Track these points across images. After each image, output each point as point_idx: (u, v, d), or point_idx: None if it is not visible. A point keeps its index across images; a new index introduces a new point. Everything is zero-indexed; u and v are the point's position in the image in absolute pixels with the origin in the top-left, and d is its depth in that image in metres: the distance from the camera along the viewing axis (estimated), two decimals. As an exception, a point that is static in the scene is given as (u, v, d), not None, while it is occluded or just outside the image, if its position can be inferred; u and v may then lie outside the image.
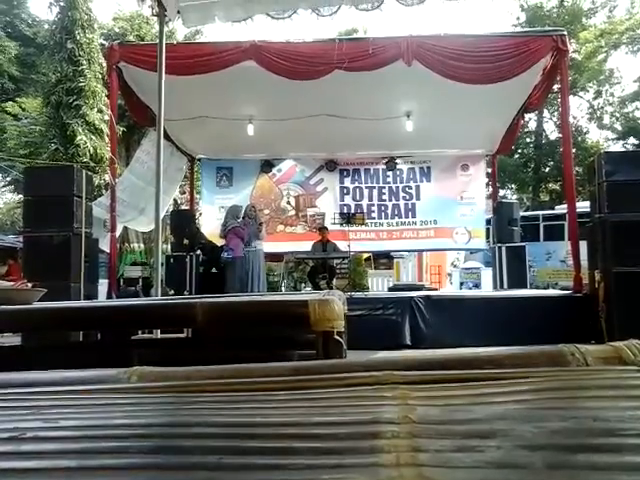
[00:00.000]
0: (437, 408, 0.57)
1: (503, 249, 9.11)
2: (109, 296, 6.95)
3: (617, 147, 23.47)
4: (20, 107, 19.98)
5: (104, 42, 15.73)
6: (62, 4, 16.62)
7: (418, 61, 6.89)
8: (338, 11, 5.86)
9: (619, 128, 23.89)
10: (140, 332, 4.81)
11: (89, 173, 7.02)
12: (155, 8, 5.53)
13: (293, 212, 11.16)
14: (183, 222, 9.82)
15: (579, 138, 22.75)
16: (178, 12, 5.61)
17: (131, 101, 8.11)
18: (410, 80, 7.40)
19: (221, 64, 7.02)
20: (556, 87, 8.31)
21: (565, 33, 7.23)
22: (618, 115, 23.94)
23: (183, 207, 15.03)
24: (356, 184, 11.08)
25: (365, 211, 10.61)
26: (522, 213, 13.03)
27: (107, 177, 9.38)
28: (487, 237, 11.22)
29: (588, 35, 22.09)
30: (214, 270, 8.97)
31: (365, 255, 12.94)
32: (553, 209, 16.59)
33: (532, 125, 24.82)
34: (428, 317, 6.76)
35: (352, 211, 10.28)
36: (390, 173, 10.98)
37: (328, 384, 0.67)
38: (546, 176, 24.79)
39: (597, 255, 6.11)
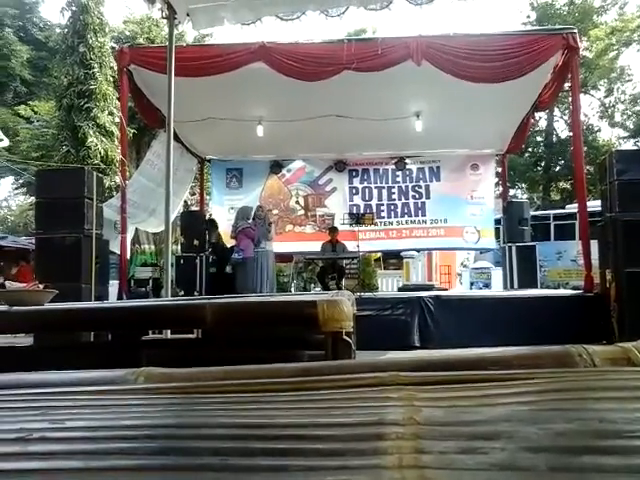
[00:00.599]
0: (442, 409, 0.57)
1: (513, 249, 9.06)
2: (119, 297, 6.99)
3: (629, 145, 23.25)
4: (32, 110, 20.17)
5: (115, 45, 15.83)
6: (74, 8, 16.75)
7: (427, 61, 6.87)
8: (346, 11, 5.86)
9: (631, 126, 23.67)
10: (150, 332, 4.84)
11: (100, 175, 7.06)
12: (165, 11, 5.56)
13: (302, 212, 11.16)
14: (193, 223, 9.86)
15: (590, 137, 22.56)
16: (187, 15, 5.64)
17: (141, 103, 8.16)
18: (419, 80, 7.38)
19: (230, 65, 7.04)
20: (567, 85, 8.26)
21: (575, 31, 7.18)
22: (630, 113, 23.72)
23: (193, 208, 15.11)
24: (365, 184, 11.06)
25: (374, 211, 10.58)
26: (532, 212, 12.94)
27: (118, 179, 9.44)
28: (497, 237, 11.16)
29: (599, 33, 21.89)
30: (225, 270, 9.00)
31: (375, 256, 12.92)
32: (564, 208, 16.47)
33: (542, 124, 24.66)
34: (438, 317, 6.74)
35: (361, 211, 10.26)
36: (399, 173, 10.95)
37: (333, 385, 0.67)
38: (557, 175, 24.61)
39: (608, 254, 6.07)
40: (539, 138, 25.23)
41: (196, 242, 9.52)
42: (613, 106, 23.89)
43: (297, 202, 11.18)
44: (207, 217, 9.73)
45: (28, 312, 2.54)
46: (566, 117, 23.48)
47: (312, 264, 10.62)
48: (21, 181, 22.55)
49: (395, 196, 10.95)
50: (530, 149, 24.63)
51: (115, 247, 7.59)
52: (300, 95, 7.71)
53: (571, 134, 15.21)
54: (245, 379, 0.70)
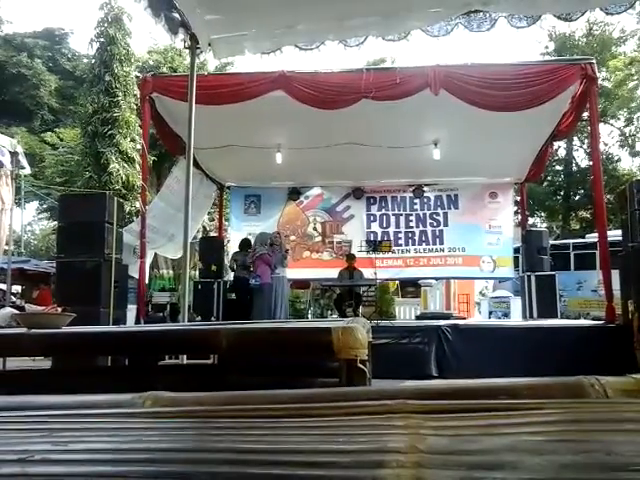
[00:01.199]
0: (447, 438, 0.56)
1: (532, 278, 8.94)
2: (137, 321, 7.02)
3: (650, 175, 22.97)
4: (58, 137, 20.70)
5: (139, 74, 16.25)
6: (102, 40, 17.28)
7: (445, 90, 6.91)
8: (365, 42, 5.94)
9: (652, 156, 23.44)
10: (167, 357, 4.85)
11: (120, 200, 7.18)
12: (187, 41, 5.69)
13: (319, 238, 11.17)
14: (212, 249, 9.93)
15: (610, 166, 22.37)
16: (209, 44, 5.76)
17: (163, 130, 8.31)
18: (437, 108, 7.42)
19: (251, 94, 7.15)
20: (585, 115, 8.24)
21: (594, 61, 7.19)
22: (650, 143, 23.52)
23: (212, 234, 15.24)
24: (383, 211, 11.05)
25: (392, 238, 10.54)
26: (552, 241, 12.81)
27: (138, 204, 9.57)
28: (516, 265, 11.03)
29: (618, 63, 21.89)
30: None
31: (393, 284, 12.85)
32: (584, 238, 16.27)
33: (562, 153, 24.53)
34: (455, 347, 6.64)
35: (379, 238, 10.23)
36: (417, 200, 10.93)
37: (340, 412, 0.66)
38: (576, 204, 24.38)
39: (630, 284, 5.95)
40: (558, 167, 25.08)
41: (214, 268, 9.58)
42: (633, 135, 23.72)
43: (314, 228, 11.20)
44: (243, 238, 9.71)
45: (46, 335, 2.56)
46: (585, 146, 23.35)
47: (329, 291, 10.60)
48: (45, 206, 23.02)
49: (413, 224, 10.92)
50: (549, 178, 24.48)
51: (134, 272, 7.66)
52: (319, 123, 7.79)
53: (591, 163, 15.12)
54: (251, 404, 0.70)
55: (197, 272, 11.08)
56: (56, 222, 10.70)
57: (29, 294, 15.80)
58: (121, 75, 17.02)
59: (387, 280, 11.48)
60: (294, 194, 11.12)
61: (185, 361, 4.45)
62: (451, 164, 9.43)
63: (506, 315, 13.06)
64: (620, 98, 21.97)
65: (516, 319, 10.97)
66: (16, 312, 3.63)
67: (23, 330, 2.57)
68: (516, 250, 10.96)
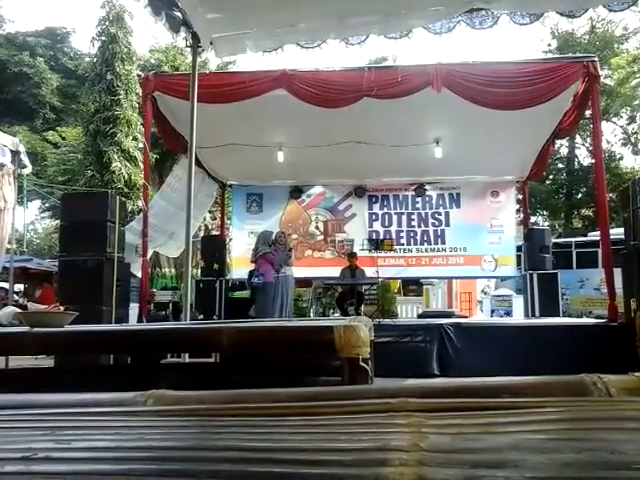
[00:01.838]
0: (449, 436, 0.56)
1: (535, 276, 8.94)
2: (139, 320, 7.03)
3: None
4: (60, 136, 20.73)
5: (140, 73, 16.26)
6: (104, 38, 17.29)
7: (447, 88, 6.90)
8: (367, 40, 5.93)
9: (655, 154, 23.38)
10: (169, 356, 4.86)
11: (123, 199, 7.19)
12: (189, 40, 5.69)
13: (321, 237, 11.18)
14: (213, 247, 9.95)
15: (612, 164, 22.31)
16: (211, 43, 5.76)
17: (164, 129, 8.31)
18: (439, 107, 7.41)
19: (252, 93, 7.15)
20: (588, 113, 8.22)
21: (596, 59, 7.17)
22: (653, 140, 23.46)
23: (214, 232, 15.25)
24: (385, 210, 11.05)
25: (394, 237, 10.55)
26: (554, 240, 12.79)
27: (140, 203, 9.58)
28: (518, 264, 11.02)
29: (620, 61, 21.82)
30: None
31: (394, 284, 12.85)
32: (586, 236, 16.24)
33: (564, 151, 24.49)
34: (458, 345, 6.64)
35: (381, 237, 10.23)
36: (419, 199, 10.93)
37: (342, 410, 0.66)
38: (579, 202, 24.33)
39: (633, 283, 5.95)
40: (561, 165, 25.04)
41: (216, 266, 9.60)
42: (636, 133, 23.66)
43: (317, 227, 11.21)
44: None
45: (48, 334, 2.57)
46: (588, 144, 23.31)
47: (331, 289, 10.60)
48: (47, 205, 23.05)
49: (415, 223, 10.92)
50: (551, 176, 24.42)
51: (136, 270, 7.67)
52: (320, 122, 7.78)
53: (593, 161, 15.09)
54: (253, 403, 0.70)
55: (199, 271, 11.09)
56: (58, 221, 10.72)
57: (32, 293, 15.83)
58: (123, 74, 17.03)
59: (389, 279, 11.48)
60: (296, 193, 11.12)
61: (187, 360, 4.45)
62: (453, 162, 9.43)
63: (508, 313, 13.06)
64: (623, 96, 21.91)
65: (518, 317, 10.97)
66: (19, 311, 3.64)
67: (26, 329, 2.58)
68: (518, 248, 10.95)
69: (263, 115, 7.75)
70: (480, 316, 13.73)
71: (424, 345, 6.71)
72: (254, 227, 10.61)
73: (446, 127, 8.43)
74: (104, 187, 14.80)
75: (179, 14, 5.23)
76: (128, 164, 16.70)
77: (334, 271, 9.79)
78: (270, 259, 8.07)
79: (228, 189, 11.50)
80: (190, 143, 5.72)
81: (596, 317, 9.66)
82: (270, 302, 7.91)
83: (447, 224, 10.79)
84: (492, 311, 13.85)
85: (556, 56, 18.73)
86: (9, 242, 7.91)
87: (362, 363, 2.02)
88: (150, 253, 8.81)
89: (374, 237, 10.21)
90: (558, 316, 8.55)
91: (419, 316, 10.27)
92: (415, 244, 10.84)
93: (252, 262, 8.46)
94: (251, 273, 8.38)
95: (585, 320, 9.31)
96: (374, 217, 11.07)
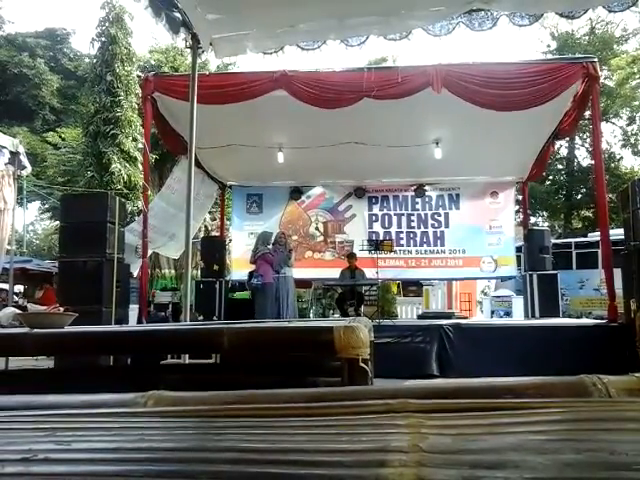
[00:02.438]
0: (449, 437, 0.56)
1: (534, 277, 8.94)
2: (139, 321, 7.03)
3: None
4: (60, 137, 20.72)
5: (140, 74, 16.27)
6: (104, 39, 17.30)
7: (447, 89, 6.90)
8: (366, 41, 5.93)
9: (654, 154, 23.39)
10: (169, 357, 4.86)
11: (122, 200, 7.18)
12: (189, 41, 5.69)
13: (321, 238, 11.18)
14: (213, 248, 9.95)
15: (612, 165, 22.32)
16: (210, 44, 5.76)
17: (164, 130, 8.32)
18: (439, 107, 7.42)
19: (252, 93, 7.16)
20: (587, 114, 8.22)
21: (596, 60, 7.18)
22: (652, 141, 23.46)
23: (214, 233, 15.25)
24: (385, 211, 11.06)
25: (394, 238, 10.55)
26: (554, 240, 12.79)
27: (140, 204, 9.58)
28: (518, 265, 11.02)
29: (620, 62, 21.84)
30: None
31: (394, 285, 12.85)
32: (586, 236, 16.24)
33: (564, 151, 24.50)
34: (457, 346, 6.64)
35: (380, 238, 10.23)
36: (419, 200, 10.94)
37: (342, 411, 0.66)
38: (578, 203, 24.33)
39: (632, 283, 5.95)
40: (560, 166, 25.04)
41: (216, 267, 9.60)
42: (635, 134, 23.67)
43: (317, 228, 11.21)
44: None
45: (48, 335, 2.56)
46: (587, 145, 23.31)
47: (331, 290, 10.60)
48: (47, 205, 23.06)
49: (414, 224, 10.93)
50: (551, 177, 24.43)
51: (135, 271, 7.67)
52: (320, 122, 7.79)
53: (593, 162, 15.11)
54: (253, 404, 0.70)
55: (199, 271, 11.09)
56: (58, 222, 10.72)
57: (31, 294, 15.83)
58: (123, 75, 17.03)
59: (388, 280, 11.48)
60: (296, 193, 11.13)
61: (187, 361, 4.45)
62: (453, 163, 9.43)
63: (508, 314, 13.06)
64: (622, 97, 21.93)
65: (518, 318, 10.96)
66: (18, 312, 3.64)
67: (25, 330, 2.58)
68: (518, 249, 10.96)
69: (263, 116, 7.76)
70: (480, 317, 13.72)
71: (424, 346, 6.71)
72: (254, 228, 10.61)
73: (446, 128, 8.44)
74: (104, 188, 14.80)
75: (179, 15, 5.23)
76: (128, 165, 16.70)
77: (334, 272, 9.79)
78: (269, 260, 8.06)
79: (228, 190, 11.51)
80: (190, 144, 5.72)
81: (596, 318, 9.67)
82: (269, 303, 7.90)
83: (447, 225, 10.81)
84: (492, 312, 13.85)
85: (556, 57, 18.74)
86: (9, 243, 7.91)
87: (362, 364, 2.02)
88: (150, 254, 8.81)
89: (374, 238, 10.20)
90: (558, 317, 8.55)
91: (419, 317, 10.28)
92: (415, 245, 10.85)
93: (251, 263, 8.46)
94: (251, 274, 8.38)
95: (585, 321, 9.32)
96: (374, 218, 11.07)
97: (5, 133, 9.53)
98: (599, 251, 9.97)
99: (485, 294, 15.37)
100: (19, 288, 15.94)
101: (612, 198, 15.08)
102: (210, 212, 13.73)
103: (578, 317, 11.81)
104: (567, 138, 18.97)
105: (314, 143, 8.38)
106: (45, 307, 3.70)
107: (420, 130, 8.46)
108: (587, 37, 23.67)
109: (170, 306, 10.32)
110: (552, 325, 7.06)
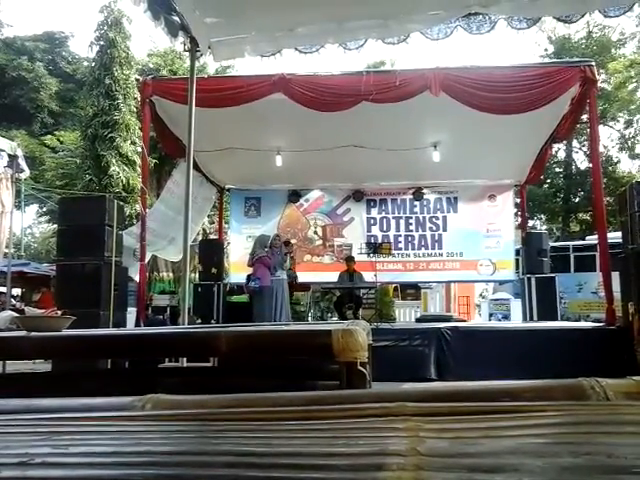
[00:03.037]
0: (447, 440, 0.56)
1: (532, 280, 8.94)
2: (137, 324, 7.02)
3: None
4: (58, 140, 20.72)
5: (139, 77, 16.28)
6: (102, 43, 17.32)
7: (445, 93, 6.92)
8: (365, 45, 5.94)
9: (651, 158, 23.45)
10: (167, 360, 4.85)
11: (121, 203, 7.17)
12: (187, 44, 5.69)
13: (320, 242, 11.18)
14: (211, 251, 9.94)
15: (610, 168, 22.37)
16: (209, 47, 5.76)
17: (163, 133, 8.31)
18: (437, 111, 7.43)
19: (250, 97, 7.16)
20: (585, 117, 8.24)
21: (593, 63, 7.20)
22: (650, 145, 23.54)
23: (212, 237, 15.24)
24: (383, 214, 11.07)
25: (392, 241, 10.56)
26: (552, 244, 12.81)
27: (138, 207, 9.58)
28: (516, 268, 11.04)
29: (617, 66, 21.91)
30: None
31: (391, 289, 12.86)
32: (584, 239, 16.27)
33: (561, 155, 24.56)
34: (455, 349, 6.63)
35: (379, 241, 10.23)
36: (417, 203, 10.95)
37: (339, 415, 0.66)
38: (576, 206, 24.38)
39: (630, 287, 5.95)
40: (558, 169, 25.10)
41: (214, 270, 9.59)
42: (633, 138, 23.74)
43: (315, 232, 11.21)
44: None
45: (46, 338, 2.56)
46: (585, 148, 23.37)
47: (329, 293, 10.59)
48: (45, 209, 23.04)
49: (412, 227, 10.94)
50: (549, 180, 24.49)
51: (134, 274, 7.66)
52: (318, 126, 7.80)
53: (590, 165, 15.15)
54: (251, 407, 0.70)
55: (197, 275, 11.08)
56: (56, 225, 10.70)
57: (29, 297, 15.80)
58: (121, 78, 17.04)
59: (387, 283, 11.48)
60: (294, 197, 11.13)
61: (185, 364, 4.44)
62: (451, 166, 9.45)
63: (506, 317, 13.06)
64: (620, 100, 22.00)
65: (516, 321, 10.97)
66: (16, 315, 3.63)
67: (23, 333, 2.57)
68: (516, 252, 10.97)
69: (261, 119, 7.76)
70: (478, 320, 13.74)
71: (422, 349, 6.70)
72: (252, 231, 10.60)
73: (444, 131, 8.45)
74: (102, 191, 14.80)
75: (177, 18, 5.23)
76: (126, 168, 16.70)
77: (333, 276, 9.79)
78: (267, 262, 8.06)
79: (226, 193, 11.51)
80: (188, 147, 5.72)
81: (594, 321, 9.67)
82: (267, 306, 7.90)
83: (444, 229, 10.82)
84: (490, 315, 13.86)
85: (553, 60, 18.81)
86: (7, 246, 7.90)
87: (360, 367, 2.02)
88: (148, 257, 8.81)
89: (372, 241, 10.21)
90: (556, 320, 8.55)
91: (417, 320, 10.28)
92: (413, 249, 10.86)
93: (249, 266, 8.46)
94: (249, 277, 8.38)
95: (583, 324, 9.32)
96: (372, 221, 11.08)
97: (3, 136, 9.52)
98: (597, 254, 9.99)
99: (483, 297, 15.39)
100: (17, 291, 15.91)
101: (610, 201, 15.11)
102: (208, 215, 13.73)
103: (576, 320, 11.82)
104: (565, 141, 19.03)
105: (312, 146, 8.38)
106: (43, 310, 3.70)
107: (418, 133, 8.48)
108: (584, 41, 23.76)
109: (168, 309, 10.30)
110: (550, 328, 7.06)
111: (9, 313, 4.42)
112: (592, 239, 12.88)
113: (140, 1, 4.61)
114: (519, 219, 11.70)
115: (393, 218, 11.02)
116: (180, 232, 6.62)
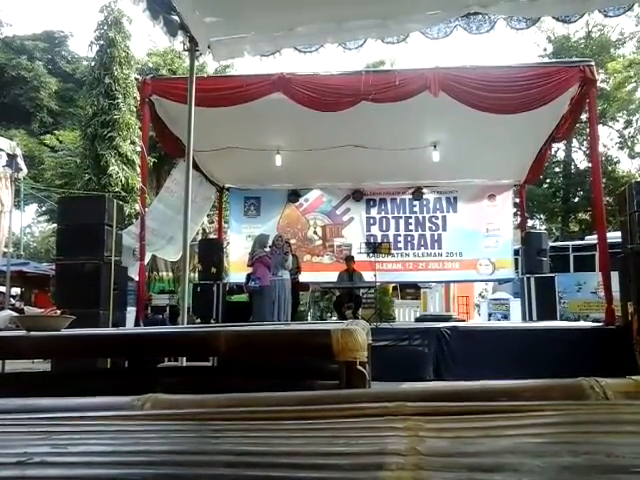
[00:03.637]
0: (447, 440, 0.56)
1: (532, 280, 8.95)
2: (136, 323, 7.02)
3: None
4: (58, 139, 20.71)
5: (138, 76, 16.28)
6: (102, 42, 17.32)
7: (445, 92, 6.92)
8: (364, 44, 5.94)
9: (651, 157, 23.46)
10: (166, 360, 4.85)
11: (120, 203, 7.17)
12: (186, 43, 5.69)
13: (320, 242, 11.18)
14: (211, 251, 9.94)
15: (609, 168, 22.38)
16: (208, 47, 5.76)
17: (162, 133, 8.31)
18: (436, 111, 7.44)
19: (250, 96, 7.16)
20: (584, 117, 8.24)
21: (593, 63, 7.20)
22: (649, 144, 23.54)
23: (211, 236, 15.24)
24: (382, 214, 11.07)
25: (391, 241, 10.56)
26: (551, 243, 12.81)
27: (137, 206, 9.58)
28: (515, 268, 11.04)
29: (617, 65, 21.92)
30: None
31: (391, 288, 12.88)
32: (583, 239, 16.27)
33: (561, 155, 24.56)
34: (455, 349, 6.64)
35: (378, 241, 10.23)
36: (416, 203, 10.95)
37: (338, 414, 0.66)
38: (576, 206, 24.39)
39: (630, 286, 5.95)
40: (557, 169, 25.10)
41: (213, 270, 9.59)
42: (632, 137, 23.75)
43: (315, 232, 11.20)
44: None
45: (45, 338, 2.55)
46: (584, 148, 23.39)
47: (329, 293, 10.60)
48: (44, 208, 23.03)
49: (412, 227, 10.94)
50: (549, 180, 24.50)
51: (133, 274, 7.65)
52: (318, 125, 7.80)
53: (590, 165, 15.16)
54: (250, 407, 0.70)
55: (196, 274, 11.08)
56: (55, 224, 10.70)
57: (28, 296, 15.79)
58: (121, 77, 17.04)
59: (386, 283, 11.48)
60: (294, 196, 11.13)
61: (184, 363, 4.44)
62: (450, 166, 9.45)
63: (505, 317, 13.07)
64: (619, 100, 22.01)
65: (515, 321, 10.98)
66: (15, 314, 3.63)
67: (22, 332, 2.57)
68: (516, 252, 10.97)
69: (261, 119, 7.76)
70: (477, 320, 13.74)
71: (421, 349, 6.71)
72: (252, 231, 10.60)
73: (443, 131, 8.45)
74: (101, 191, 14.80)
75: (176, 18, 5.23)
76: (126, 168, 16.71)
77: (333, 276, 9.80)
78: (266, 262, 8.06)
79: (226, 193, 11.50)
80: (187, 146, 5.72)
81: (593, 320, 9.67)
82: (267, 305, 7.90)
83: (444, 229, 10.83)
84: (489, 315, 13.86)
85: (552, 60, 18.82)
86: (6, 246, 7.89)
87: (359, 367, 2.02)
88: (148, 257, 8.80)
89: (372, 241, 10.21)
90: (555, 319, 8.56)
91: (417, 320, 10.28)
92: (412, 248, 10.86)
93: (249, 265, 8.46)
94: (248, 277, 8.38)
95: (582, 324, 9.32)
96: (372, 221, 11.08)
97: (3, 136, 9.52)
98: (596, 254, 10.00)
99: (483, 297, 15.39)
100: (16, 291, 15.90)
101: (609, 201, 15.12)
102: (208, 215, 13.73)
103: (575, 320, 11.82)
104: (564, 141, 19.04)
105: (312, 146, 8.38)
106: (42, 310, 3.69)
107: (418, 133, 8.48)
108: (584, 41, 23.76)
109: (168, 309, 10.31)
110: (549, 328, 7.06)
111: (8, 312, 4.41)
112: (591, 239, 12.89)
113: (139, 0, 4.61)
114: (518, 219, 11.71)
115: (392, 218, 11.02)
116: (179, 231, 6.62)
